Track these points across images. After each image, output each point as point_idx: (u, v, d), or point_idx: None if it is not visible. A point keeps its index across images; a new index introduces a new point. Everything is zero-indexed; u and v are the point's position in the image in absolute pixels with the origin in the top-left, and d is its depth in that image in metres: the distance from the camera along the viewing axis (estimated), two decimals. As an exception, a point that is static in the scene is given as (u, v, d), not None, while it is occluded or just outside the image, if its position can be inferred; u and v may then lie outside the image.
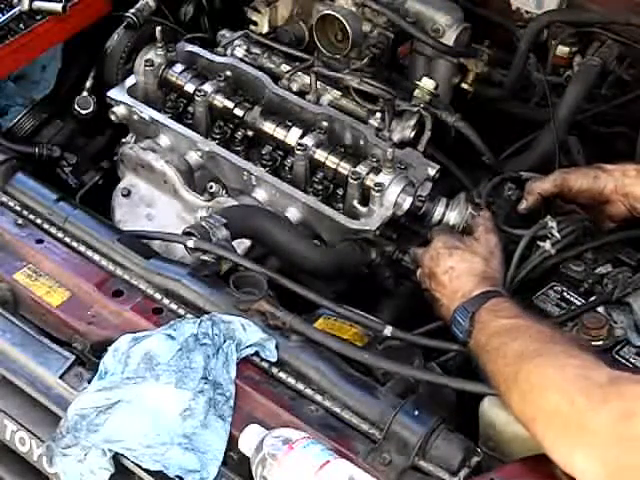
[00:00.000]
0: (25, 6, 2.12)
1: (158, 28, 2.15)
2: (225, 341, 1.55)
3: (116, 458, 1.45)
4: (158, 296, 1.69)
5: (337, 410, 1.52)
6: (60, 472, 1.46)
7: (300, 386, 1.55)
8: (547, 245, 1.82)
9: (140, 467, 1.44)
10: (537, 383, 1.34)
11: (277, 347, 1.58)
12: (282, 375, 1.57)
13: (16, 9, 2.14)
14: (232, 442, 1.46)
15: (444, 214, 1.96)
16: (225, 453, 1.45)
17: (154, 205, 2.11)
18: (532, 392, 1.35)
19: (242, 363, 1.56)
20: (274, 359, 1.58)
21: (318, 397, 1.54)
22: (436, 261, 1.74)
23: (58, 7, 2.13)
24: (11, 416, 1.60)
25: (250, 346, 1.57)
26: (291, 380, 1.56)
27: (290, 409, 1.52)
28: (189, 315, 1.65)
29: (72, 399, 1.51)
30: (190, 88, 2.15)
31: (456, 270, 1.70)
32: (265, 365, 1.58)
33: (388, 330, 1.67)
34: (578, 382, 1.29)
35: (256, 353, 1.58)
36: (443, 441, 1.44)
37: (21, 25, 2.15)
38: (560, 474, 1.33)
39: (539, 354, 1.37)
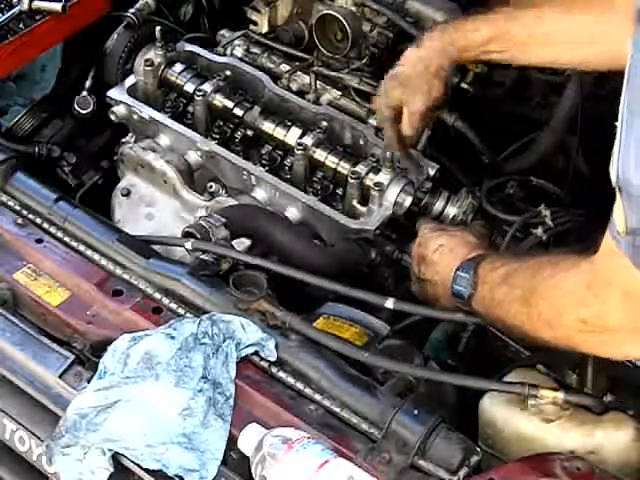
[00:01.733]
0: (25, 6, 2.12)
1: (158, 28, 2.15)
2: (225, 340, 1.55)
3: (116, 457, 1.45)
4: (158, 296, 1.69)
5: (336, 409, 1.52)
6: (59, 471, 1.46)
7: (300, 385, 1.55)
8: (539, 231, 1.83)
9: (140, 466, 1.43)
10: (548, 313, 1.39)
11: (277, 346, 1.58)
12: (282, 374, 1.57)
13: (16, 9, 2.14)
14: (232, 441, 1.46)
15: (444, 208, 1.96)
16: (225, 452, 1.45)
17: (154, 205, 2.11)
18: (552, 320, 1.39)
19: (242, 362, 1.56)
20: (274, 358, 1.58)
21: (317, 396, 1.54)
22: (424, 245, 1.75)
23: (58, 7, 2.13)
24: (11, 415, 1.60)
25: (250, 345, 1.57)
26: (291, 379, 1.56)
27: (289, 408, 1.52)
28: (189, 314, 1.65)
29: (71, 398, 1.51)
30: (190, 88, 2.15)
31: (447, 245, 1.71)
32: (265, 364, 1.58)
33: (390, 302, 1.67)
34: (575, 291, 1.34)
35: (256, 352, 1.58)
36: (442, 440, 1.44)
37: (21, 25, 2.16)
38: (560, 473, 1.33)
39: (536, 289, 1.41)
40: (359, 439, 1.49)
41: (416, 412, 1.47)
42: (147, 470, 1.43)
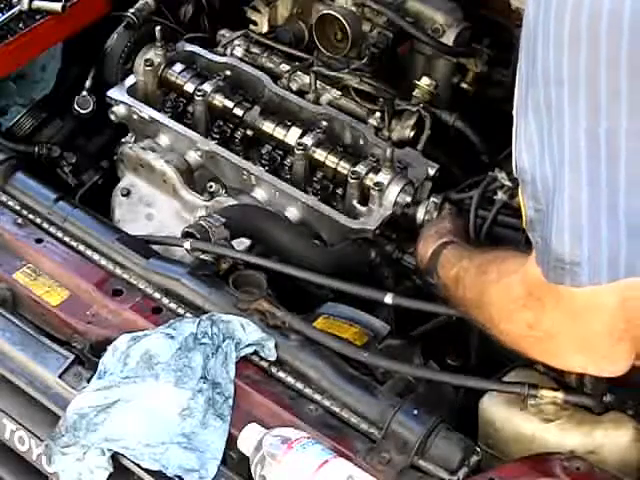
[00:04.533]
0: (25, 6, 2.12)
1: (158, 28, 2.15)
2: (224, 340, 1.55)
3: (115, 457, 1.45)
4: (157, 295, 1.69)
5: (336, 409, 1.52)
6: (59, 471, 1.45)
7: (299, 385, 1.55)
8: (499, 195, 1.84)
9: (139, 466, 1.43)
10: (498, 318, 1.37)
11: (276, 346, 1.58)
12: (281, 374, 1.57)
13: (16, 9, 2.14)
14: (231, 441, 1.46)
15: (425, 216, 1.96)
16: (224, 452, 1.45)
17: (154, 205, 2.11)
18: (501, 324, 1.37)
19: (241, 362, 1.56)
20: (273, 358, 1.58)
21: (317, 396, 1.54)
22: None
23: (58, 7, 2.13)
24: (10, 415, 1.60)
25: (249, 345, 1.57)
26: (290, 379, 1.56)
27: (289, 408, 1.52)
28: (188, 314, 1.65)
29: (71, 398, 1.51)
30: (190, 88, 2.15)
31: (424, 233, 1.78)
32: (264, 364, 1.58)
33: (389, 297, 1.67)
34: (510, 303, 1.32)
35: (255, 352, 1.58)
36: (442, 440, 1.44)
37: (21, 25, 2.15)
38: (560, 473, 1.33)
39: (484, 293, 1.40)
40: (359, 439, 1.48)
41: (416, 412, 1.47)
42: (146, 470, 1.43)
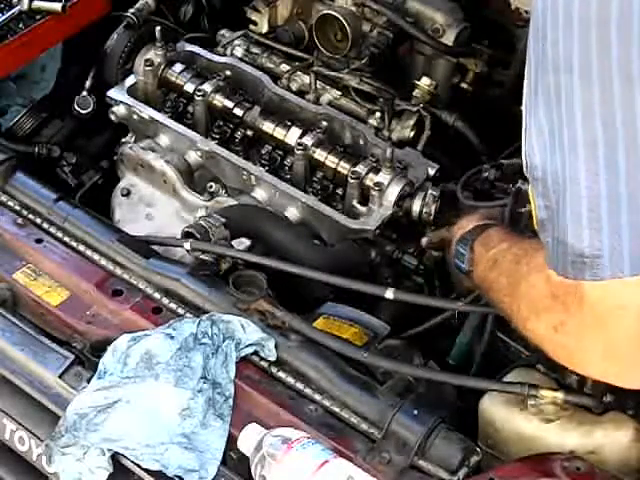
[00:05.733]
0: (25, 6, 2.12)
1: (158, 28, 2.15)
2: (224, 340, 1.55)
3: (115, 457, 1.45)
4: (157, 295, 1.69)
5: (336, 409, 1.52)
6: (59, 471, 1.45)
7: (299, 385, 1.55)
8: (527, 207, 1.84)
9: (139, 466, 1.43)
10: (526, 312, 1.32)
11: (276, 346, 1.58)
12: (281, 374, 1.57)
13: (16, 9, 2.14)
14: (231, 441, 1.46)
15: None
16: (224, 452, 1.45)
17: (154, 205, 2.11)
18: (529, 320, 1.32)
19: (241, 362, 1.56)
20: (273, 358, 1.58)
21: (317, 396, 1.54)
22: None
23: (58, 7, 2.13)
24: (10, 415, 1.60)
25: (249, 345, 1.57)
26: (290, 379, 1.56)
27: (289, 408, 1.52)
28: (188, 314, 1.65)
29: (71, 398, 1.51)
30: (190, 88, 2.15)
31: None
32: (264, 364, 1.58)
33: (390, 292, 1.67)
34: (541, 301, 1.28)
35: (255, 352, 1.58)
36: (442, 440, 1.44)
37: (21, 25, 2.16)
38: (560, 473, 1.33)
39: (518, 283, 1.36)
40: (359, 439, 1.48)
41: (416, 412, 1.47)
42: (146, 470, 1.43)
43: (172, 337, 1.54)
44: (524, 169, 1.23)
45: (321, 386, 1.54)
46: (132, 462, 1.44)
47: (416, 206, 1.95)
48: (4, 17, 2.14)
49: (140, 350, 1.53)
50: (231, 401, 1.51)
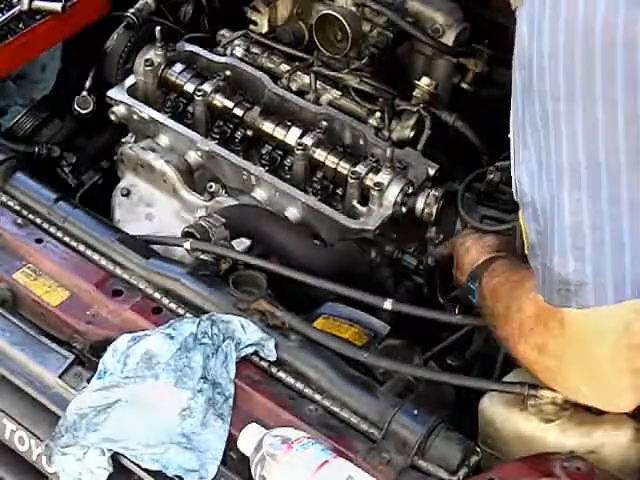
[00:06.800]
0: (25, 6, 2.12)
1: (158, 28, 2.15)
2: (224, 340, 1.55)
3: (115, 457, 1.45)
4: (157, 295, 1.69)
5: (336, 409, 1.52)
6: (59, 471, 1.45)
7: (299, 385, 1.55)
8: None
9: (139, 466, 1.43)
10: (517, 335, 1.35)
11: (276, 346, 1.58)
12: (281, 374, 1.57)
13: (16, 9, 2.14)
14: (231, 441, 1.46)
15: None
16: (224, 452, 1.45)
17: (154, 205, 2.11)
18: (518, 343, 1.36)
19: (241, 363, 1.56)
20: (273, 358, 1.58)
21: (317, 396, 1.54)
22: (461, 236, 1.80)
23: (58, 7, 2.13)
24: (10, 415, 1.60)
25: (249, 345, 1.57)
26: (290, 379, 1.56)
27: (289, 408, 1.52)
28: (188, 314, 1.65)
29: (71, 398, 1.51)
30: (190, 88, 2.15)
31: (465, 243, 1.74)
32: (264, 364, 1.58)
33: (388, 303, 1.67)
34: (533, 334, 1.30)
35: (255, 352, 1.58)
36: (442, 440, 1.44)
37: (21, 25, 2.15)
38: (560, 473, 1.33)
39: (510, 307, 1.39)
40: (359, 439, 1.48)
41: (416, 412, 1.47)
42: (146, 470, 1.43)
43: (172, 337, 1.54)
44: (514, 194, 1.24)
45: (321, 386, 1.54)
46: (132, 462, 1.44)
47: (419, 204, 1.95)
48: (4, 17, 2.14)
49: (140, 350, 1.53)
50: (231, 401, 1.51)
